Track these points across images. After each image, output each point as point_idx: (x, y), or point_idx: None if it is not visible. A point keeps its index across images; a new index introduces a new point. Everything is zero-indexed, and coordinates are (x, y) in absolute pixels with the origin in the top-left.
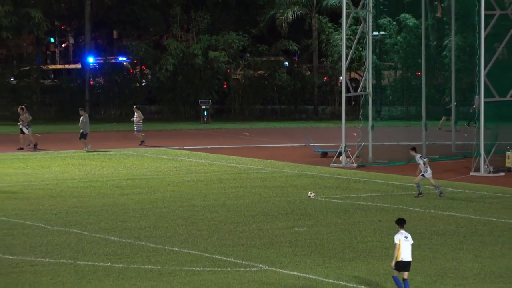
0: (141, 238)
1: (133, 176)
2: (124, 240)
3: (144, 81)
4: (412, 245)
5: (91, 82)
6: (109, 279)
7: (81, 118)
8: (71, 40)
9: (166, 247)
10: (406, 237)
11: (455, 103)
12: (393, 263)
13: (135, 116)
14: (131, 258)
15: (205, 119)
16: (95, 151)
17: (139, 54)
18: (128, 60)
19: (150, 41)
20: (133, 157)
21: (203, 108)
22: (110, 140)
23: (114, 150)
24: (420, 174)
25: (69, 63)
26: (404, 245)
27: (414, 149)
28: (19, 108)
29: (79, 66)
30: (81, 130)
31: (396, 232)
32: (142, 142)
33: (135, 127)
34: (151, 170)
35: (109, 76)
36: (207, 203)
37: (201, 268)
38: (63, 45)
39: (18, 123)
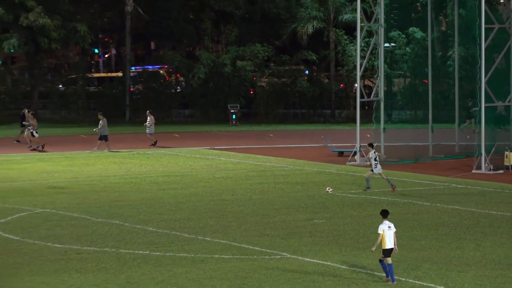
0: (176, 229)
1: (169, 173)
2: (161, 230)
3: (178, 87)
4: (395, 233)
5: (131, 89)
6: (147, 265)
7: (100, 121)
8: (113, 51)
9: (199, 237)
10: (389, 227)
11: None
12: (374, 248)
13: (147, 120)
14: (167, 247)
15: (234, 122)
16: (134, 151)
17: (174, 63)
18: (165, 69)
19: (184, 51)
20: (168, 156)
21: (231, 112)
22: (148, 141)
23: (152, 150)
24: (370, 170)
25: (111, 72)
26: (387, 234)
27: (371, 145)
28: (30, 114)
29: (120, 74)
30: (101, 133)
31: (381, 222)
32: (154, 143)
33: (147, 130)
34: (185, 167)
35: (147, 83)
36: (235, 197)
37: (230, 256)
38: (106, 55)
39: (29, 127)
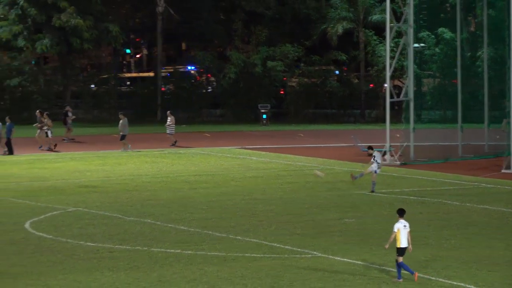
0: (207, 228)
1: (200, 173)
2: (192, 229)
3: (209, 87)
4: (409, 232)
5: (163, 89)
6: (179, 264)
7: (121, 121)
8: (145, 51)
9: (230, 236)
10: (404, 226)
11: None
12: (388, 245)
13: (168, 120)
14: (198, 245)
15: (264, 121)
16: (166, 150)
17: (205, 63)
18: (195, 69)
19: (215, 52)
20: (200, 156)
21: (262, 112)
22: (180, 140)
23: (183, 149)
24: (374, 171)
25: (143, 72)
26: (402, 233)
27: (370, 148)
28: (44, 114)
29: (151, 74)
30: (121, 133)
31: (396, 221)
32: (174, 142)
33: (168, 130)
34: (216, 167)
35: (178, 83)
36: (266, 196)
37: (261, 255)
38: (137, 56)
39: (44, 127)
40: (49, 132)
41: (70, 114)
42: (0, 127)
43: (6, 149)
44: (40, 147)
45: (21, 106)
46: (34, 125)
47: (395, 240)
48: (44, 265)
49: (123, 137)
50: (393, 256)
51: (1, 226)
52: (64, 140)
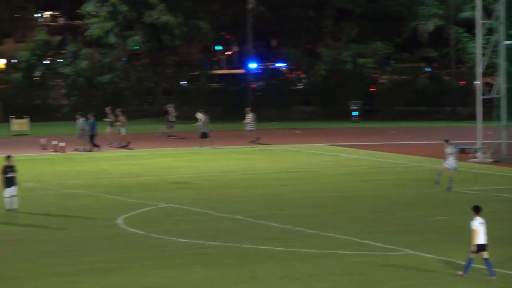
0: (298, 224)
1: (290, 169)
2: (283, 226)
3: (300, 84)
4: (486, 227)
5: (253, 85)
6: (270, 261)
7: (202, 119)
8: (235, 48)
9: (321, 233)
10: (481, 223)
11: None
12: (473, 247)
13: (248, 117)
14: (289, 242)
15: (354, 118)
16: (256, 147)
17: (295, 60)
18: (285, 66)
19: (305, 49)
20: (290, 152)
21: (352, 109)
22: (271, 136)
23: (274, 146)
24: (451, 168)
25: (233, 69)
26: (480, 230)
27: (447, 141)
28: (118, 111)
29: (242, 71)
30: (201, 130)
31: (472, 219)
32: (256, 139)
33: (248, 127)
34: (306, 164)
35: (269, 80)
36: (356, 193)
37: (352, 252)
38: (228, 53)
39: (117, 124)
40: (122, 129)
41: (171, 111)
42: (84, 124)
43: (92, 146)
44: (110, 144)
45: (112, 102)
46: (105, 119)
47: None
48: (136, 261)
49: (204, 135)
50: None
51: (93, 222)
52: (170, 137)
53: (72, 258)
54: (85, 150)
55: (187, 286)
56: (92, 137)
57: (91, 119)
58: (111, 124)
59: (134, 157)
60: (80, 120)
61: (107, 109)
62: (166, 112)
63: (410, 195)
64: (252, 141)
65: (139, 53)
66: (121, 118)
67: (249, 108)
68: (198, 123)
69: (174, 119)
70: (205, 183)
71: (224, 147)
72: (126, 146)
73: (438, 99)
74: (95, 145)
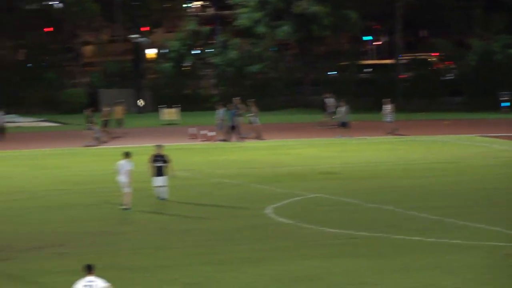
0: (448, 215)
1: (439, 160)
2: (433, 217)
3: (450, 75)
4: None
5: (402, 76)
6: (422, 252)
7: (342, 109)
8: (384, 38)
9: (472, 224)
10: None
11: None
12: None
13: (388, 108)
14: (440, 233)
15: (504, 109)
16: (407, 137)
17: (445, 50)
18: (434, 56)
19: (454, 39)
20: (439, 143)
21: (502, 99)
22: (418, 127)
23: (422, 136)
24: None
25: (382, 59)
26: None
27: None
28: (251, 101)
29: (391, 61)
30: (341, 120)
31: None
32: (395, 130)
33: (388, 118)
34: (455, 155)
35: (417, 70)
36: (507, 185)
37: (504, 244)
38: (377, 43)
39: (250, 115)
40: (254, 119)
41: (330, 100)
42: (224, 114)
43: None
44: (241, 135)
45: (260, 92)
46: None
47: None
48: (285, 250)
49: (344, 124)
50: None
51: (243, 211)
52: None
53: (221, 247)
54: (245, 138)
55: (338, 276)
56: (232, 127)
57: (232, 109)
58: (240, 115)
59: (285, 147)
60: (221, 111)
61: (236, 100)
62: (323, 102)
63: None
64: (389, 132)
65: (287, 43)
66: (253, 108)
67: (388, 99)
68: (337, 115)
69: (333, 110)
70: (354, 173)
71: (357, 138)
72: (258, 137)
73: None
74: (241, 136)
